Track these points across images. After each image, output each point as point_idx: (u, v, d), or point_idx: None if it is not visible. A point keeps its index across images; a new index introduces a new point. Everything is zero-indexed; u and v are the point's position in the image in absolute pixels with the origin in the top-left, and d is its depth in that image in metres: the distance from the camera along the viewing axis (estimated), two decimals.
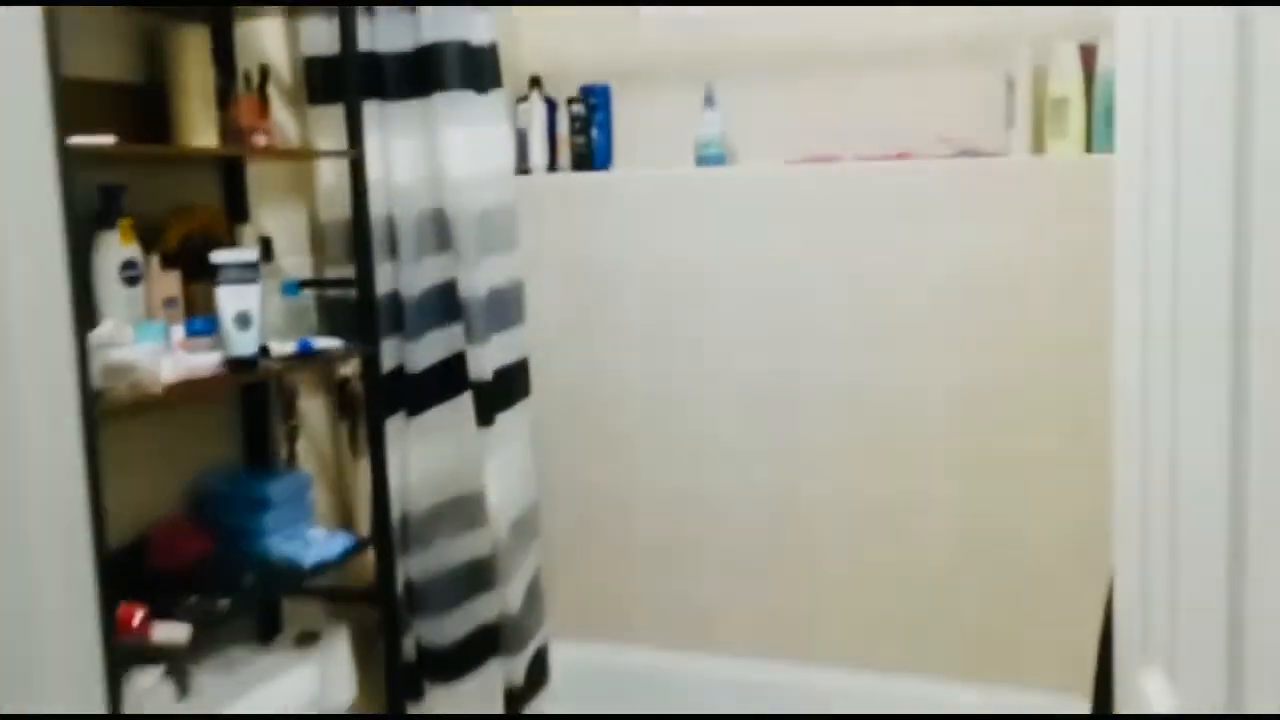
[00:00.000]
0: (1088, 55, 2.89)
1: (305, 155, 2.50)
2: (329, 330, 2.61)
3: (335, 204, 2.67)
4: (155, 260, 2.24)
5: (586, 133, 3.36)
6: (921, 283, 2.98)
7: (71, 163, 1.73)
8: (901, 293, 3.00)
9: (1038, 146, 2.95)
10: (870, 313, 3.03)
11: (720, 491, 3.22)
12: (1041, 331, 2.88)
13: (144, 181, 2.29)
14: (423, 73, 2.62)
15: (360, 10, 2.59)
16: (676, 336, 3.21)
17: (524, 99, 3.36)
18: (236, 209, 2.51)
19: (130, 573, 2.15)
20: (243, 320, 2.20)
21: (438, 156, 2.65)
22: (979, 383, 2.95)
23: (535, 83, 3.36)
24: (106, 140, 1.92)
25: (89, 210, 2.17)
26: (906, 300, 2.99)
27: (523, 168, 3.32)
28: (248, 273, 2.20)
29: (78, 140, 1.82)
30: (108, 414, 1.91)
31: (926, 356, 2.99)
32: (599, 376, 3.29)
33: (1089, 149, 2.88)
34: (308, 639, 2.47)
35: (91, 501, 1.84)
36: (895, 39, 3.13)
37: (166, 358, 2.07)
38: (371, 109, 2.63)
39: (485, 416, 2.73)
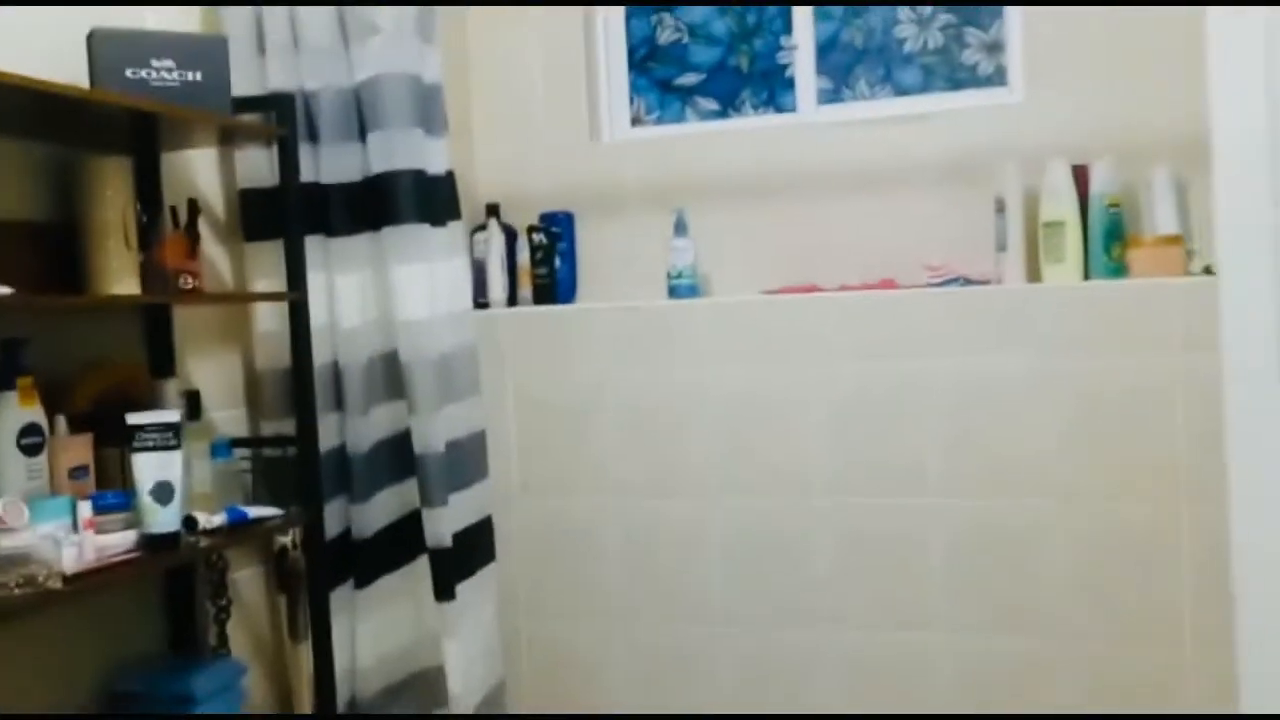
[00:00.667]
0: (1080, 176, 2.73)
1: (239, 298, 2.23)
2: (266, 493, 2.31)
3: (274, 351, 2.39)
4: (62, 423, 1.94)
5: (549, 263, 3.14)
6: (913, 420, 2.74)
7: None
8: (894, 432, 2.75)
9: (1032, 273, 2.75)
10: (859, 453, 2.78)
11: (703, 653, 2.91)
12: (1048, 475, 2.64)
13: (52, 333, 2.00)
14: (372, 205, 2.38)
15: (303, 139, 2.35)
16: (652, 482, 2.93)
17: (481, 228, 3.15)
18: (160, 360, 2.22)
19: None
20: (162, 492, 1.90)
21: (389, 296, 2.39)
22: (981, 528, 2.70)
23: (493, 211, 3.15)
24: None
25: None
26: (899, 440, 2.75)
27: (480, 301, 3.08)
28: (168, 437, 1.91)
29: None
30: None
31: (923, 499, 2.73)
32: (568, 530, 2.99)
33: (1086, 275, 2.69)
34: None
35: None
36: (875, 161, 2.95)
37: (69, 542, 1.76)
38: (315, 245, 2.37)
39: (444, 589, 2.41)
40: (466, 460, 2.48)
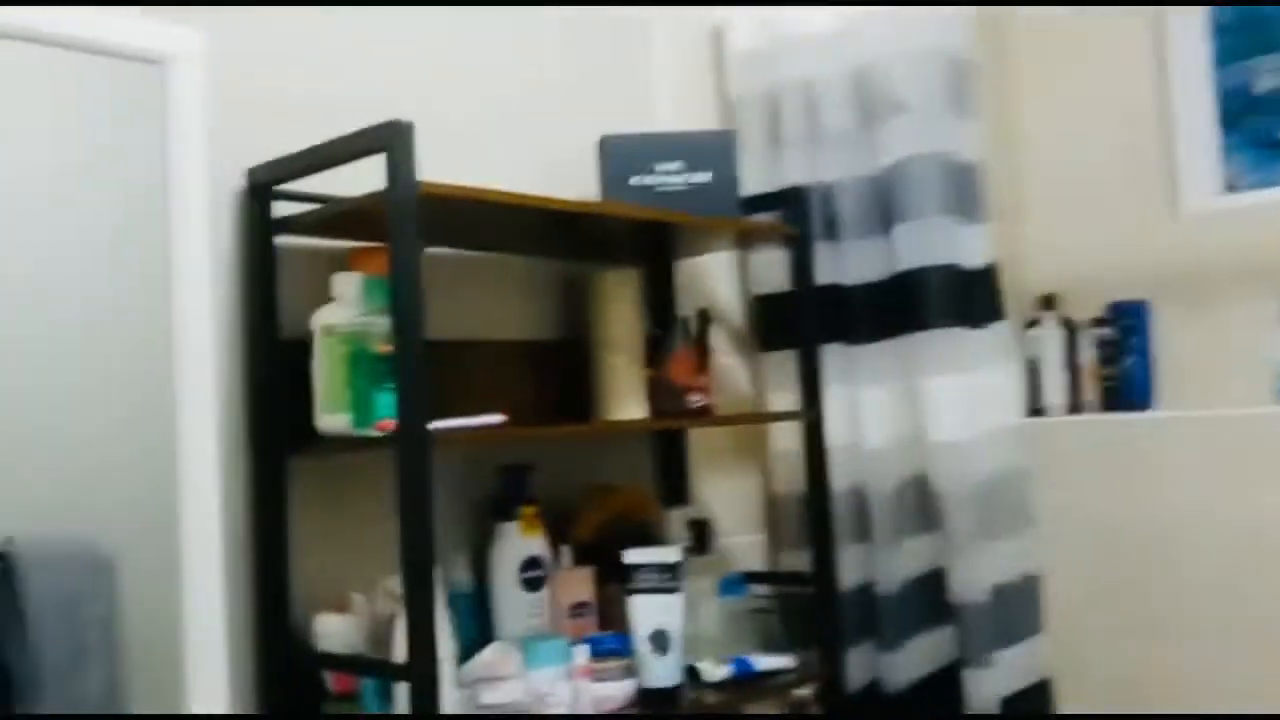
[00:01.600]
0: None
1: (744, 419, 1.99)
2: (784, 633, 2.06)
3: (792, 474, 2.14)
4: (566, 555, 1.81)
5: (1119, 362, 2.67)
6: None
7: (423, 456, 1.34)
8: None
9: None
10: None
11: None
12: None
13: (557, 456, 1.91)
14: (898, 307, 2.06)
15: (821, 236, 2.11)
16: (1260, 630, 2.31)
17: (1034, 323, 2.75)
18: (671, 484, 2.06)
19: None
20: (660, 640, 1.70)
21: (919, 412, 2.05)
22: None
23: (1048, 303, 2.75)
24: (489, 421, 1.53)
25: (486, 494, 1.81)
26: None
27: (1035, 409, 2.68)
28: (667, 579, 1.71)
29: (444, 425, 1.44)
30: None
31: None
32: (1152, 690, 2.43)
33: None
34: None
35: None
36: None
37: (561, 699, 1.60)
38: (836, 354, 2.11)
39: None
40: (1016, 609, 2.06)
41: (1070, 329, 2.76)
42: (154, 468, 1.42)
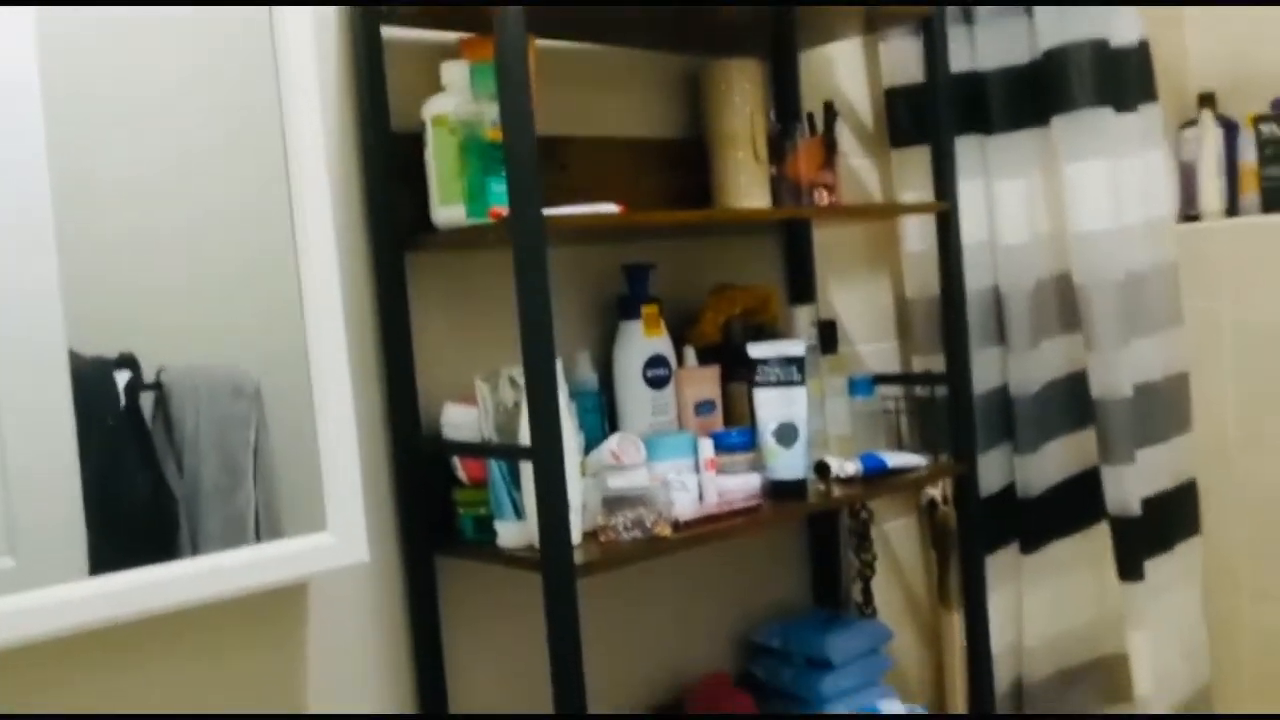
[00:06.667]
0: None
1: (873, 212, 1.91)
2: (917, 437, 2.02)
3: (924, 275, 2.07)
4: (690, 354, 1.80)
5: None
6: None
7: (536, 240, 1.32)
8: None
9: None
10: None
11: None
12: None
13: (679, 257, 1.87)
14: (1040, 91, 1.94)
15: (957, 20, 1.98)
16: None
17: (1191, 123, 2.59)
18: (797, 285, 2.01)
19: None
20: (785, 433, 1.67)
21: (1062, 203, 1.95)
22: None
23: (1207, 100, 2.58)
24: (603, 209, 1.49)
25: (611, 295, 1.79)
26: None
27: (1190, 213, 2.54)
28: (791, 372, 1.68)
29: (557, 212, 1.41)
30: (602, 560, 1.47)
31: None
32: None
33: None
34: None
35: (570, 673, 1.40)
36: None
37: (685, 487, 1.60)
38: (972, 147, 2.01)
39: (1130, 566, 1.94)
40: (1160, 408, 1.98)
41: (1229, 128, 2.59)
42: (278, 275, 1.40)
